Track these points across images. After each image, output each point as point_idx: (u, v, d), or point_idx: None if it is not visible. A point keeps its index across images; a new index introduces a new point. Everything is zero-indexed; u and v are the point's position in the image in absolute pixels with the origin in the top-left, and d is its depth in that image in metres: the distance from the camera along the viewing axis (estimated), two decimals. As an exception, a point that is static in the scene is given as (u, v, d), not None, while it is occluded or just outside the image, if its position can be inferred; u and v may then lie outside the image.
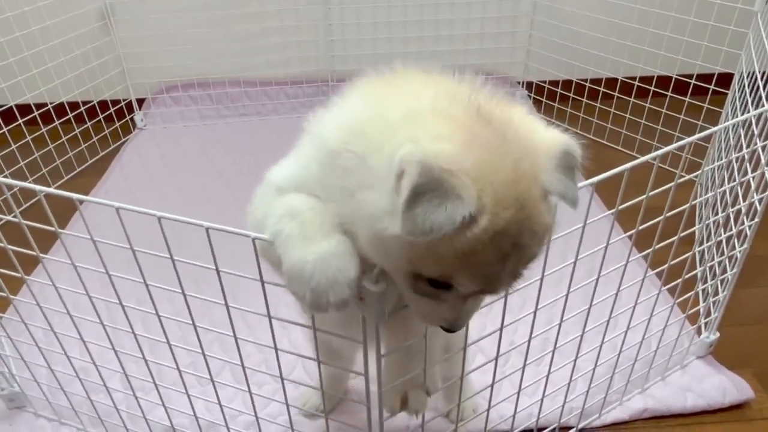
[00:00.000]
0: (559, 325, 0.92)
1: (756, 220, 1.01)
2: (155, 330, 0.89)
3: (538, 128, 0.57)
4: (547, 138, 0.56)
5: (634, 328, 1.05)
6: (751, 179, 1.00)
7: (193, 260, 0.75)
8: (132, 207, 0.73)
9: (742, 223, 1.05)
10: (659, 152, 0.80)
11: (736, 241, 1.10)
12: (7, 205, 1.53)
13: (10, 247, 0.90)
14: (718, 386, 1.21)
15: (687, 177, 0.88)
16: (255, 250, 0.67)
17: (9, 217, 0.87)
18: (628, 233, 0.91)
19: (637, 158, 0.79)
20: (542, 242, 0.57)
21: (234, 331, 0.82)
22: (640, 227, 0.89)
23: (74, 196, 0.75)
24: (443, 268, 0.54)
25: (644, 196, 0.83)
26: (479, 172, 0.50)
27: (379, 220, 0.53)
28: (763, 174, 0.97)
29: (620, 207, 0.82)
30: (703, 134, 0.85)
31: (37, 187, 0.77)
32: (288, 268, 0.60)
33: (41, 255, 0.88)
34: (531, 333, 0.90)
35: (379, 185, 0.53)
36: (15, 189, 1.76)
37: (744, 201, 1.03)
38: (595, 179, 0.76)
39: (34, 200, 1.77)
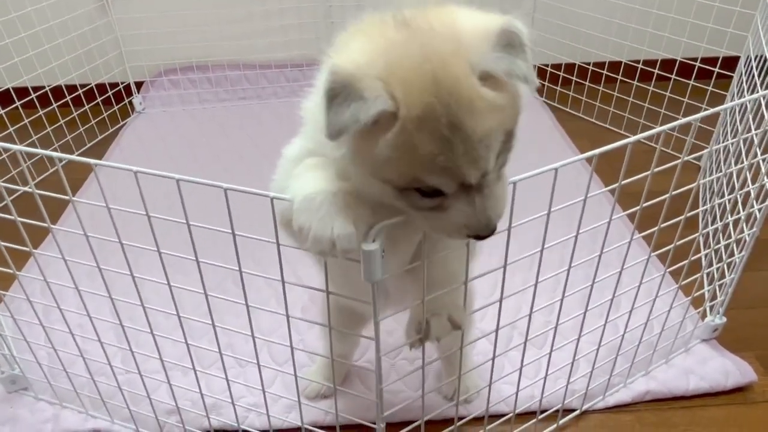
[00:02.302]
0: (561, 301, 0.92)
1: (766, 203, 1.00)
2: (163, 305, 0.89)
3: (477, 18, 0.59)
4: (484, 22, 0.58)
5: (637, 311, 1.05)
6: (761, 161, 0.99)
7: (205, 234, 0.75)
8: (150, 171, 0.73)
9: (751, 206, 1.04)
10: (665, 127, 0.79)
11: (744, 224, 1.09)
12: (21, 177, 1.53)
13: (20, 219, 0.90)
14: (720, 369, 1.21)
15: (690, 157, 0.87)
16: (273, 214, 0.68)
17: (25, 188, 0.87)
18: (630, 210, 0.90)
19: (642, 142, 0.78)
20: (491, 119, 0.56)
21: (246, 299, 0.82)
22: (644, 205, 0.88)
23: (91, 161, 0.76)
24: (403, 170, 0.57)
25: (648, 173, 0.82)
26: (388, 72, 0.54)
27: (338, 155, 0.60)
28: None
29: (623, 182, 0.81)
30: (710, 111, 0.84)
31: (56, 155, 0.79)
32: (298, 201, 0.62)
33: (52, 226, 0.88)
34: (531, 308, 0.89)
35: None
36: (36, 158, 1.85)
37: (753, 184, 1.02)
38: (596, 151, 0.75)
39: (52, 170, 1.83)
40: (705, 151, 1.04)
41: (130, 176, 0.73)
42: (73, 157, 0.81)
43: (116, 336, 1.21)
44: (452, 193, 0.59)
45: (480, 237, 0.62)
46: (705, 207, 1.10)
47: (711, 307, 1.26)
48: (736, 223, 1.14)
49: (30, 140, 1.91)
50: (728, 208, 1.10)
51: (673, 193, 0.90)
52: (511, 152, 0.63)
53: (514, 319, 0.96)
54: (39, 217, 0.87)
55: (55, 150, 1.96)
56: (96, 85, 2.15)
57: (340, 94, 0.54)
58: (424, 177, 0.57)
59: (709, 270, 1.22)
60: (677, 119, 0.83)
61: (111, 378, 1.06)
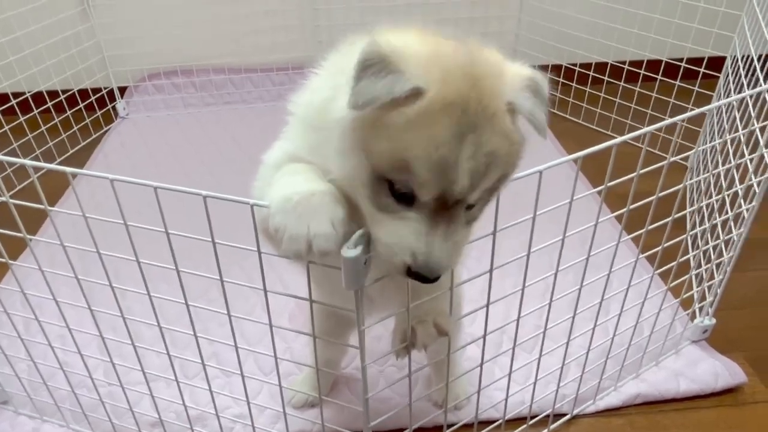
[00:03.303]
0: (549, 305, 0.91)
1: (753, 204, 0.99)
2: (146, 314, 0.87)
3: (508, 63, 0.61)
4: (516, 67, 0.61)
5: (627, 314, 1.04)
6: (748, 161, 0.98)
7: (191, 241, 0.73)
8: (127, 178, 0.71)
9: (739, 206, 1.04)
10: (651, 128, 0.79)
11: (732, 224, 1.09)
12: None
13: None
14: (710, 371, 1.20)
15: (677, 157, 0.86)
16: (253, 221, 0.66)
17: (1, 199, 0.85)
18: (618, 212, 0.89)
19: (629, 142, 0.78)
20: (501, 143, 0.57)
21: (228, 310, 0.80)
22: (631, 207, 0.87)
23: (68, 170, 0.74)
24: (399, 150, 0.55)
25: (635, 174, 0.81)
26: (431, 59, 0.55)
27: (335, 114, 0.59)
28: (762, 156, 0.95)
29: (610, 183, 0.80)
30: (696, 111, 0.83)
31: (32, 163, 0.77)
32: (275, 202, 0.60)
33: (29, 236, 0.85)
34: (519, 312, 0.88)
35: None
36: (16, 166, 1.70)
37: (741, 184, 1.02)
38: (581, 153, 0.75)
39: (31, 179, 1.76)
40: (692, 151, 1.04)
41: (111, 185, 0.71)
42: (49, 165, 0.78)
43: (98, 348, 1.19)
44: (419, 206, 0.57)
45: (419, 277, 0.59)
46: (693, 208, 1.09)
47: (700, 309, 1.26)
48: (724, 223, 1.14)
49: (10, 147, 1.88)
50: (716, 209, 1.10)
51: (661, 194, 0.89)
52: (485, 208, 0.63)
53: (503, 324, 0.95)
54: (16, 228, 0.85)
55: (36, 158, 1.92)
56: (78, 91, 2.12)
57: (376, 65, 0.54)
58: (415, 164, 0.55)
59: (697, 271, 1.21)
60: (664, 120, 0.82)
61: (92, 391, 1.04)
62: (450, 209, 0.58)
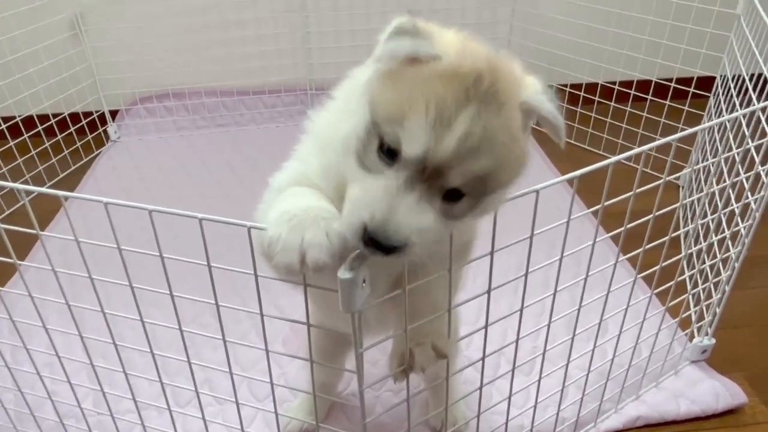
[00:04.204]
0: (548, 326, 0.89)
1: (750, 222, 0.99)
2: (137, 341, 0.84)
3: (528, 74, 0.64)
4: (534, 79, 0.64)
5: (624, 334, 1.03)
6: (744, 180, 0.98)
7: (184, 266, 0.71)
8: (120, 202, 0.70)
9: (736, 225, 1.03)
10: (645, 147, 0.78)
11: (730, 243, 1.08)
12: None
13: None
14: (710, 391, 1.19)
15: (670, 177, 0.86)
16: (250, 243, 0.65)
17: None
18: (614, 232, 0.88)
19: (621, 162, 0.77)
20: (500, 133, 0.57)
21: (223, 334, 0.78)
22: (623, 228, 0.87)
23: (60, 193, 0.73)
24: (400, 96, 0.56)
25: (630, 194, 0.81)
26: (458, 42, 0.60)
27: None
28: (758, 174, 0.95)
29: (606, 203, 0.80)
30: (691, 130, 0.83)
31: (23, 187, 0.75)
32: (271, 218, 0.60)
33: (18, 262, 0.83)
34: (518, 334, 0.87)
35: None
36: (5, 190, 1.78)
37: (737, 202, 1.02)
38: (577, 173, 0.74)
39: (21, 203, 1.71)
40: (685, 170, 1.04)
41: (104, 210, 0.70)
42: (41, 189, 0.77)
43: (87, 376, 1.16)
44: (400, 166, 0.56)
45: (374, 243, 0.56)
46: (689, 227, 1.09)
47: (699, 328, 1.25)
48: (721, 242, 1.14)
49: None
50: (712, 228, 1.09)
51: (658, 213, 0.89)
52: (473, 214, 0.61)
53: (501, 346, 0.93)
54: (5, 253, 0.83)
55: (26, 182, 1.90)
56: (69, 115, 2.11)
57: (407, 32, 0.58)
58: (410, 115, 0.55)
59: (695, 291, 1.21)
60: (655, 139, 0.82)
61: (81, 421, 1.01)
62: (428, 180, 0.56)
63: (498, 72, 0.58)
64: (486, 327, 0.82)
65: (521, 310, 0.84)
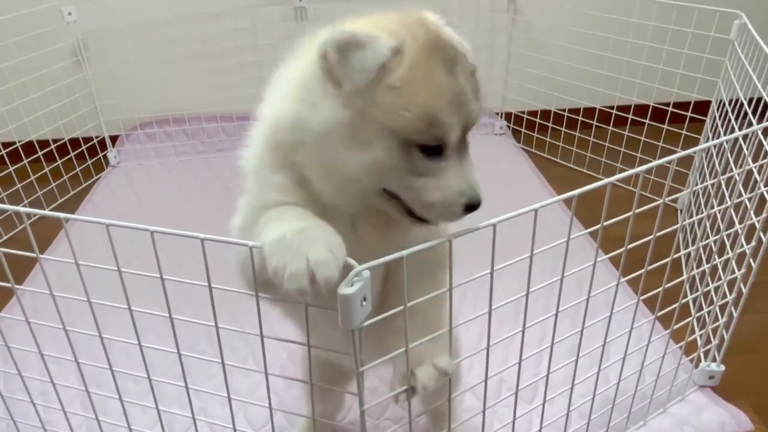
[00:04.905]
0: (551, 349, 0.88)
1: (755, 243, 0.98)
2: (132, 368, 0.83)
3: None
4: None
5: (627, 360, 1.01)
6: (747, 201, 0.98)
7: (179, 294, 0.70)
8: (122, 223, 0.69)
9: (741, 246, 1.03)
10: (643, 168, 0.78)
11: (735, 266, 1.08)
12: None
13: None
14: (716, 419, 1.17)
15: (668, 199, 0.85)
16: (252, 263, 0.64)
17: None
18: (614, 253, 0.87)
19: (619, 185, 0.77)
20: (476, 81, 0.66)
21: (222, 359, 0.76)
22: (624, 248, 0.86)
23: (61, 215, 0.72)
24: (420, 106, 0.60)
25: (630, 214, 0.80)
26: (383, 24, 0.62)
27: (333, 124, 0.61)
28: (762, 195, 0.95)
29: (606, 223, 0.79)
30: (689, 151, 0.83)
31: (25, 210, 0.75)
32: (267, 246, 0.60)
33: (17, 286, 0.82)
34: (520, 358, 0.85)
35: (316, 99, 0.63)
36: (4, 215, 1.79)
37: (740, 223, 1.01)
38: (575, 192, 0.74)
39: (20, 228, 1.78)
40: (683, 193, 1.03)
41: (101, 234, 0.69)
42: (42, 212, 0.77)
43: (82, 404, 1.14)
44: (448, 151, 0.63)
45: (472, 207, 0.64)
46: (691, 248, 1.08)
47: (705, 353, 1.23)
48: (724, 264, 1.13)
49: (-2, 197, 1.86)
50: (714, 250, 1.09)
51: (658, 234, 0.88)
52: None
53: (502, 370, 0.92)
54: (3, 278, 0.82)
55: (25, 207, 1.89)
56: (69, 140, 2.11)
57: (350, 44, 0.59)
58: (440, 112, 0.60)
59: (699, 314, 1.19)
60: (652, 162, 0.82)
61: (75, 451, 0.99)
62: (464, 142, 0.65)
63: (437, 30, 0.64)
64: (488, 347, 0.81)
65: (523, 332, 0.83)
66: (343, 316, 0.59)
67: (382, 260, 0.62)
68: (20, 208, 0.75)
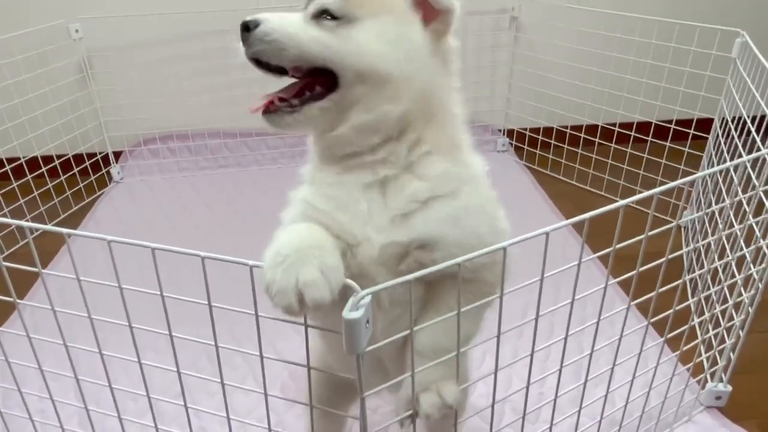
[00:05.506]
0: (559, 371, 0.87)
1: (764, 265, 0.97)
2: (131, 386, 0.82)
3: None
4: None
5: (635, 382, 1.00)
6: (753, 224, 0.97)
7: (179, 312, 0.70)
8: (123, 239, 0.69)
9: (748, 269, 1.02)
10: (659, 189, 0.77)
11: (742, 288, 1.07)
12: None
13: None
14: (723, 440, 1.15)
15: (672, 223, 0.85)
16: (252, 283, 0.63)
17: None
18: (623, 277, 0.87)
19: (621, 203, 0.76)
20: None
21: (222, 377, 0.76)
22: (636, 270, 0.85)
23: (64, 230, 0.72)
24: None
25: (642, 236, 0.80)
26: None
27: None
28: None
29: (618, 246, 0.78)
30: (702, 174, 0.82)
31: (28, 224, 0.74)
32: (267, 259, 0.60)
33: (18, 301, 0.82)
34: (528, 380, 0.84)
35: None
36: (7, 230, 1.80)
37: (748, 246, 1.00)
38: (586, 215, 0.73)
39: (22, 243, 1.80)
40: (695, 215, 1.03)
41: (102, 251, 0.69)
42: (45, 226, 0.77)
43: (80, 423, 1.13)
44: None
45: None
46: (702, 270, 1.07)
47: (712, 374, 1.21)
48: (732, 286, 1.12)
49: (1, 212, 1.86)
50: (720, 270, 1.08)
51: (667, 257, 0.87)
52: None
53: (507, 393, 0.91)
54: (4, 292, 0.82)
55: (26, 222, 1.90)
56: (73, 156, 2.12)
57: None
58: None
59: (707, 335, 1.18)
60: (655, 180, 0.82)
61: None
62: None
63: None
64: (496, 371, 0.79)
65: (531, 354, 0.82)
66: (348, 340, 0.58)
67: (386, 284, 0.61)
68: (23, 223, 0.75)
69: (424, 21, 0.70)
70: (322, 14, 0.67)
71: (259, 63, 0.71)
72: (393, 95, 0.68)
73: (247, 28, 0.67)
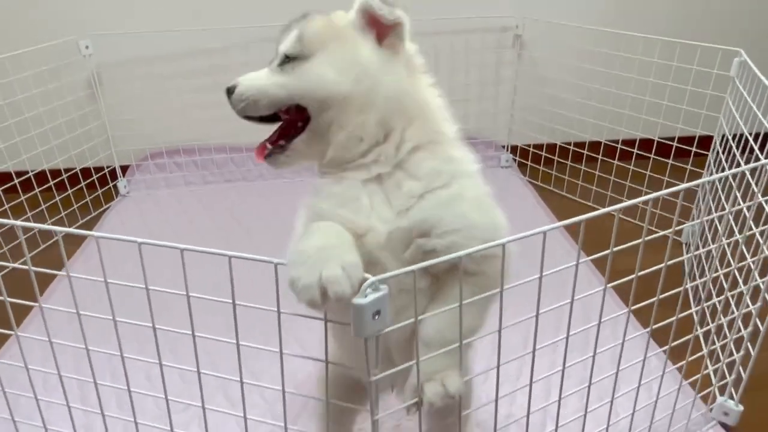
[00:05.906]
0: (560, 385, 0.87)
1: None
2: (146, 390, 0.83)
3: None
4: None
5: (632, 395, 1.00)
6: (758, 235, 0.99)
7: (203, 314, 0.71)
8: (153, 242, 0.75)
9: (754, 280, 1.03)
10: (651, 196, 0.80)
11: (749, 300, 1.08)
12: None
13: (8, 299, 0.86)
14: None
15: (669, 231, 0.86)
16: (276, 282, 0.67)
17: (15, 265, 0.86)
18: (623, 280, 0.87)
19: (625, 219, 0.78)
20: None
21: (241, 376, 0.78)
22: (635, 275, 0.86)
23: (95, 234, 0.77)
24: None
25: (639, 240, 0.81)
26: None
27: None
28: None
29: (615, 249, 0.80)
30: (695, 183, 0.84)
31: (54, 228, 0.79)
32: (290, 257, 0.65)
33: (43, 305, 0.85)
34: (530, 391, 0.84)
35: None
36: (33, 231, 1.82)
37: (752, 257, 1.02)
38: (583, 217, 0.76)
39: (43, 247, 1.85)
40: (687, 224, 1.04)
41: (113, 260, 0.70)
42: (71, 230, 0.80)
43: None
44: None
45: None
46: (703, 279, 1.08)
47: (720, 389, 1.21)
48: (738, 298, 1.12)
49: (8, 225, 1.87)
50: (724, 283, 1.09)
51: (666, 263, 0.88)
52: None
53: (511, 409, 0.91)
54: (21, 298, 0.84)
55: (34, 236, 1.91)
56: (81, 170, 2.14)
57: None
58: None
59: (711, 348, 1.19)
60: (659, 196, 0.83)
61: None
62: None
63: None
64: (497, 383, 0.80)
65: (533, 354, 0.83)
66: (355, 324, 0.63)
67: (393, 273, 0.65)
68: (50, 227, 0.78)
69: (378, 38, 0.77)
70: (285, 61, 0.77)
71: (250, 117, 0.82)
72: (359, 109, 0.75)
73: (229, 92, 0.80)
